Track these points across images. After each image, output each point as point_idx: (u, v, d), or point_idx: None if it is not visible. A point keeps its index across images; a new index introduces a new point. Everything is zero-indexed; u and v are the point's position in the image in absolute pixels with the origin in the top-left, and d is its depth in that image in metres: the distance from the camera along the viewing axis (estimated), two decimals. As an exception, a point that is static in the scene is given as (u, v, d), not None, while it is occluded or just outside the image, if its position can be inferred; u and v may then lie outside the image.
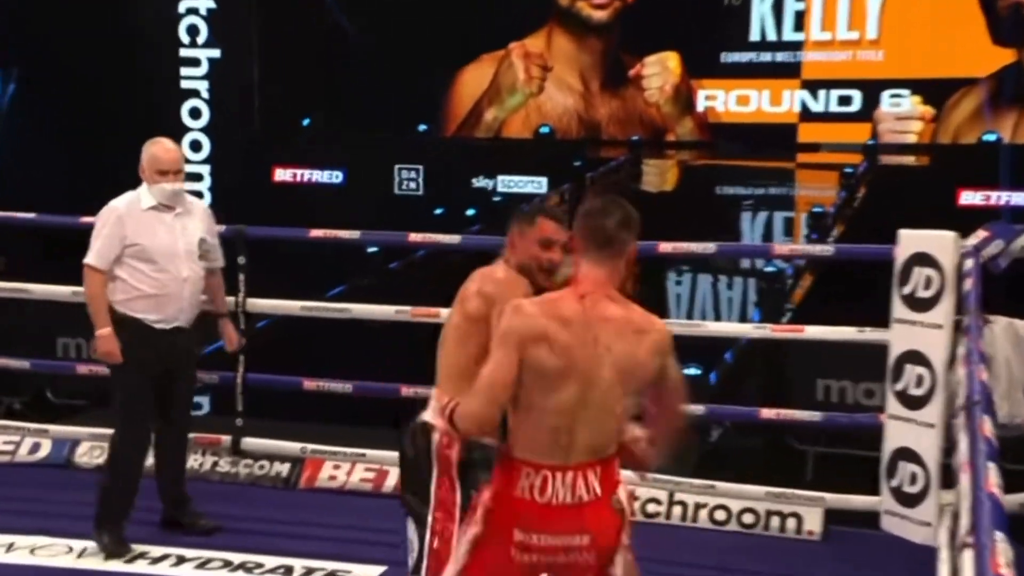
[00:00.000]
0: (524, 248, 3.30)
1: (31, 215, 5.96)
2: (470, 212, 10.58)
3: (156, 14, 10.65)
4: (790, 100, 10.28)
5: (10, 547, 4.69)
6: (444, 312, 5.91)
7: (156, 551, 4.63)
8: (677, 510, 5.25)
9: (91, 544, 4.63)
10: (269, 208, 10.13)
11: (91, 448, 5.63)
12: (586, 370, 2.72)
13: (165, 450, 4.76)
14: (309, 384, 5.39)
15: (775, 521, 5.14)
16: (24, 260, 8.10)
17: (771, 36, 10.27)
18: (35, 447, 5.72)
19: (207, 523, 4.80)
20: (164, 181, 4.47)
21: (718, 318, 9.50)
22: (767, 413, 5.20)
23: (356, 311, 5.38)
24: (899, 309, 4.64)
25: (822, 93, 10.20)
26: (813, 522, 5.09)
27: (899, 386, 4.67)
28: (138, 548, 4.63)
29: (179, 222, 4.55)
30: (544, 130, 10.93)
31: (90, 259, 4.48)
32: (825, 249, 4.89)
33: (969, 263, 4.31)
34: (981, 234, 4.55)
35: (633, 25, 10.72)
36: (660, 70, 10.76)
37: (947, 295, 4.50)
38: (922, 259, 4.55)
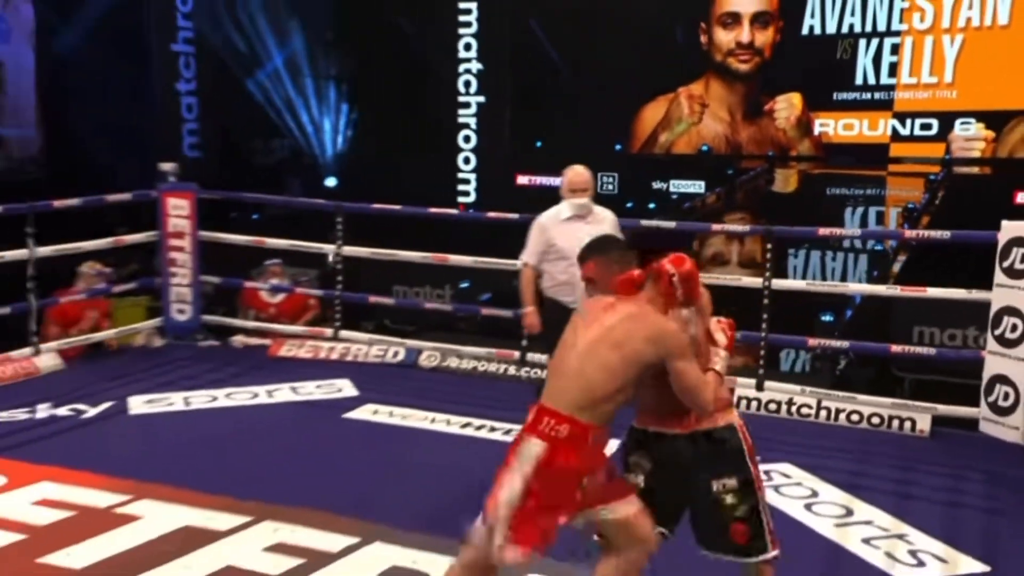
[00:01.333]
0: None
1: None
2: (651, 206, 10.62)
3: (443, 72, 11.03)
4: (884, 126, 9.91)
5: (390, 414, 5.22)
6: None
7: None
8: (824, 412, 5.27)
9: (438, 415, 5.03)
10: (515, 202, 10.47)
11: (428, 356, 6.04)
12: None
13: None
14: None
15: (895, 423, 5.11)
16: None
17: (871, 80, 9.91)
18: (395, 353, 6.16)
19: None
20: (575, 197, 4.57)
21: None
22: (895, 348, 5.15)
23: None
24: (1000, 277, 4.55)
25: (908, 121, 9.79)
26: (924, 424, 5.04)
27: (998, 331, 4.60)
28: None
29: (587, 228, 4.52)
30: (704, 148, 10.85)
31: (523, 256, 4.67)
32: (943, 234, 4.77)
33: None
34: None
35: (768, 73, 10.50)
36: (787, 106, 10.52)
37: (1038, 269, 4.38)
38: (1019, 241, 4.42)
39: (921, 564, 3.49)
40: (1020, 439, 4.45)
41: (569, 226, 4.52)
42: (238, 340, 6.48)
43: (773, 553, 2.55)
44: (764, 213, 9.71)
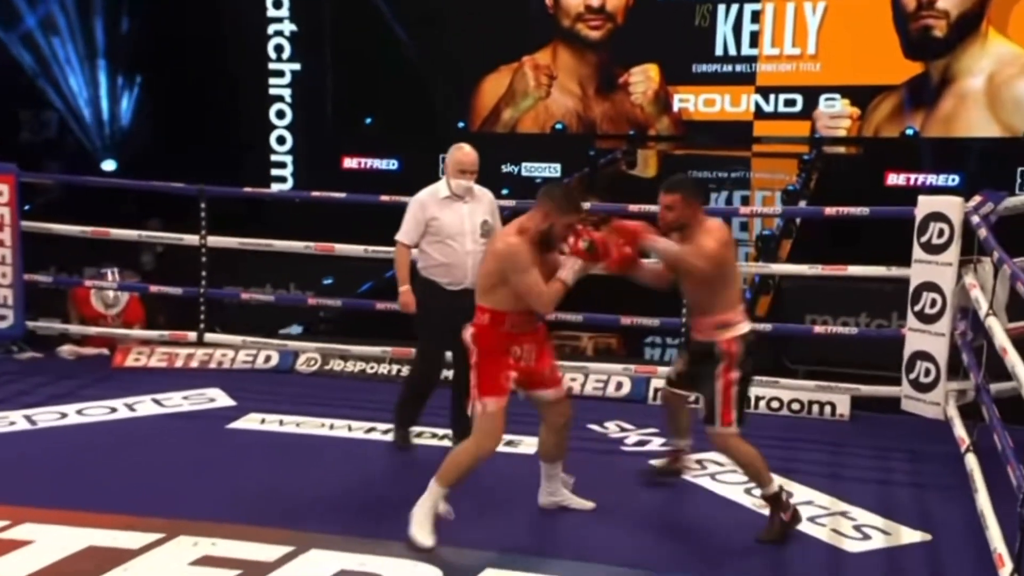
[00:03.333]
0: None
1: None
2: (505, 191, 11.17)
3: (249, 35, 11.10)
4: (747, 102, 11.01)
5: (280, 422, 5.41)
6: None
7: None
8: (743, 402, 6.05)
9: (336, 421, 5.32)
10: (339, 189, 10.70)
11: (307, 359, 6.27)
12: None
13: (458, 380, 5.30)
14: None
15: (815, 408, 5.96)
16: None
17: (732, 51, 10.95)
18: (267, 358, 6.39)
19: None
20: (463, 178, 4.94)
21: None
22: (819, 329, 6.02)
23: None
24: (918, 252, 5.44)
25: (772, 97, 10.95)
26: (844, 408, 5.92)
27: (917, 307, 5.48)
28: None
29: (467, 208, 4.98)
30: (559, 126, 11.56)
31: (399, 235, 4.98)
32: (863, 210, 5.65)
33: (976, 218, 5.11)
34: (977, 198, 5.37)
35: (621, 42, 11.35)
36: (643, 78, 11.40)
37: (955, 242, 5.31)
38: (936, 216, 5.36)
39: (867, 538, 4.19)
40: (941, 415, 5.38)
41: (450, 205, 4.89)
42: (66, 350, 6.37)
43: (718, 427, 4.11)
44: (623, 199, 10.56)
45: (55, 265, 8.55)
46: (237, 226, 6.78)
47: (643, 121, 11.46)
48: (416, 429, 5.15)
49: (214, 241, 6.11)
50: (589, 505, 4.33)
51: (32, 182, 7.18)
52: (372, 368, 6.15)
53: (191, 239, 6.18)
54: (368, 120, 11.64)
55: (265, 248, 6.15)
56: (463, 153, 4.98)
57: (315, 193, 6.56)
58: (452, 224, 4.87)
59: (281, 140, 11.39)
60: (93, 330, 6.48)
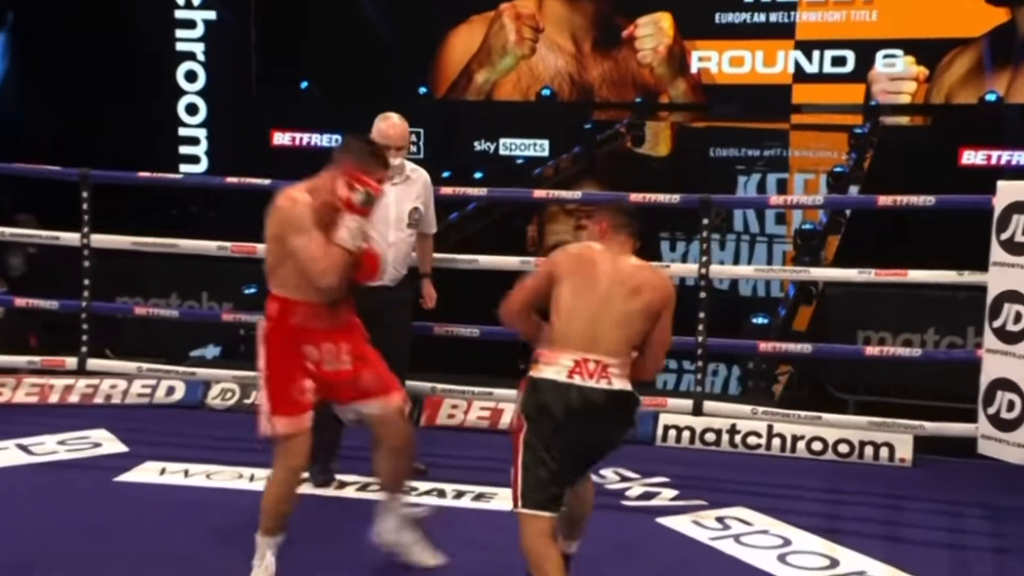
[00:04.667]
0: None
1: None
2: (478, 175, 11.18)
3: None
4: (784, 61, 11.04)
5: (186, 473, 5.33)
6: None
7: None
8: (776, 441, 6.03)
9: (258, 471, 5.27)
10: (268, 172, 10.65)
11: (222, 391, 6.23)
12: None
13: None
14: (439, 329, 5.97)
15: (868, 451, 5.95)
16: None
17: (765, -5, 10.96)
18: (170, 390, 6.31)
19: (416, 465, 5.33)
20: (388, 155, 4.98)
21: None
22: (872, 350, 6.01)
23: (484, 262, 5.99)
24: (998, 253, 5.40)
25: (816, 54, 10.97)
26: (905, 451, 5.91)
27: (997, 323, 5.44)
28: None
29: (395, 191, 5.08)
30: (546, 92, 11.54)
31: None
32: (928, 199, 5.62)
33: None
34: (1072, 184, 5.37)
35: (626, -16, 11.38)
36: (653, 31, 11.41)
37: (1046, 239, 5.30)
38: (1020, 207, 5.34)
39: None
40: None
41: None
42: None
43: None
44: (626, 184, 10.55)
45: None
46: (136, 221, 6.73)
47: (653, 85, 11.48)
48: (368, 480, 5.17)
49: (100, 240, 6.05)
50: (433, 562, 4.29)
51: None
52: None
53: (70, 238, 6.12)
54: (304, 84, 11.60)
55: (168, 250, 6.09)
56: (388, 124, 5.07)
57: (231, 179, 6.50)
58: (377, 214, 4.96)
59: (192, 109, 11.32)
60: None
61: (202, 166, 11.31)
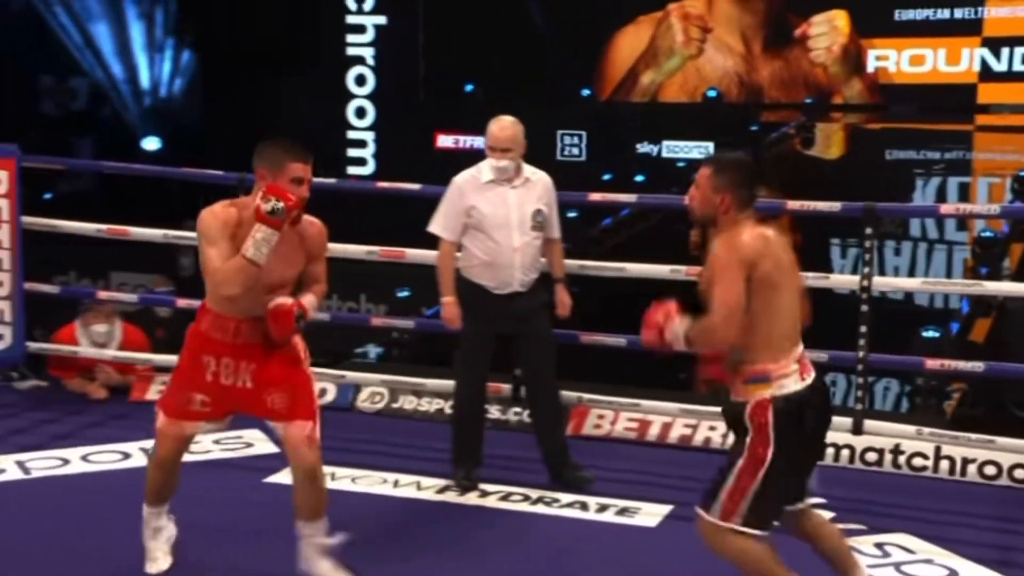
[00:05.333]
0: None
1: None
2: (639, 178, 11.05)
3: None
4: (969, 59, 10.55)
5: (332, 476, 5.27)
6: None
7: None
8: (944, 464, 5.72)
9: (402, 476, 5.29)
10: (432, 173, 10.75)
11: (371, 395, 6.26)
12: None
13: (533, 407, 5.29)
14: (585, 339, 5.87)
15: (1050, 478, 5.58)
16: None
17: (949, -10, 10.51)
18: (322, 392, 6.35)
19: (584, 475, 5.24)
20: (495, 158, 4.97)
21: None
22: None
23: (632, 270, 5.86)
24: None
25: (1005, 51, 10.45)
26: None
27: None
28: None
29: (515, 195, 5.03)
30: (712, 94, 11.32)
31: (434, 228, 5.05)
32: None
33: None
34: None
35: (800, -17, 11.06)
36: (828, 29, 11.06)
37: None
38: None
39: None
40: None
41: (492, 191, 4.95)
42: (75, 383, 6.51)
43: (705, 515, 3.59)
44: (796, 187, 10.25)
45: (76, 270, 8.80)
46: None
47: (825, 85, 11.13)
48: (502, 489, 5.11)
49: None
50: None
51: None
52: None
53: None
54: (469, 87, 11.64)
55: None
56: (498, 126, 5.01)
57: (381, 184, 6.53)
58: (495, 214, 4.94)
59: (360, 113, 11.48)
60: (112, 353, 6.59)
61: (368, 168, 11.46)
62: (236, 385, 3.90)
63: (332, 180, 6.35)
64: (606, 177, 10.87)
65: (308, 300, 3.92)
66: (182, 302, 6.48)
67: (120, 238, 6.48)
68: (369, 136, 11.48)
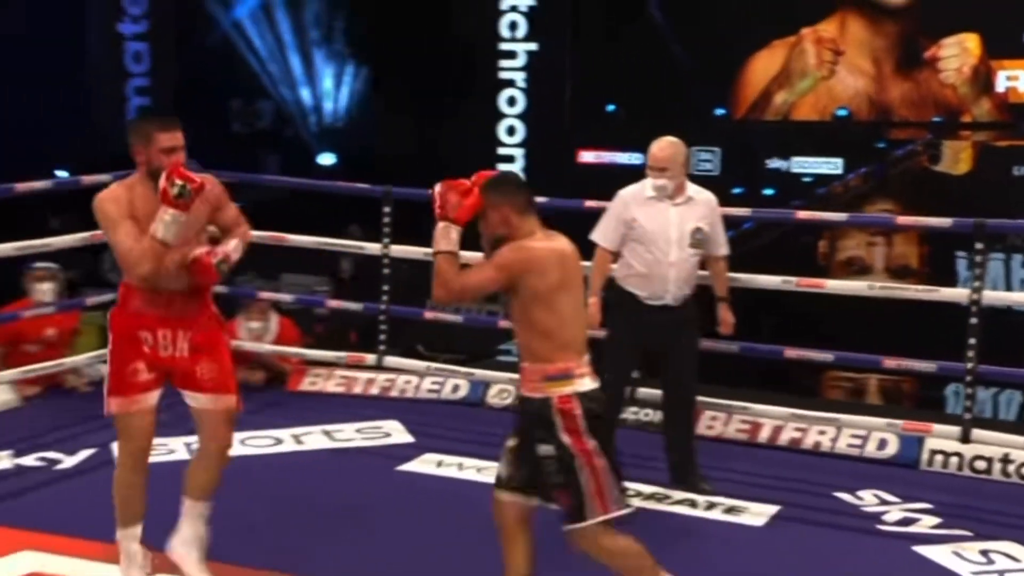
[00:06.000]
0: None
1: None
2: (768, 191, 10.78)
3: (480, 11, 11.28)
4: (1097, 79, 9.98)
5: (460, 466, 5.33)
6: (830, 283, 6.32)
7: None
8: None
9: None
10: (574, 186, 10.66)
11: (499, 391, 6.21)
12: None
13: (668, 417, 5.15)
14: (790, 352, 5.63)
15: None
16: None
17: (1085, 11, 9.94)
18: (456, 388, 6.37)
19: (706, 486, 5.05)
20: (651, 175, 4.86)
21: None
22: None
23: (743, 280, 5.65)
24: None
25: None
26: None
27: None
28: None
29: (676, 212, 4.90)
30: (841, 113, 10.98)
31: (595, 236, 4.96)
32: None
33: None
34: None
35: (932, 7, 10.60)
36: (958, 51, 10.57)
37: None
38: None
39: None
40: None
41: (654, 207, 4.83)
42: (239, 372, 6.63)
43: (599, 518, 3.35)
44: (921, 202, 9.81)
45: (253, 271, 8.97)
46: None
47: (954, 105, 10.64)
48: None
49: (398, 250, 6.15)
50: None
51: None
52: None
53: (373, 247, 6.26)
54: (610, 108, 11.54)
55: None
56: (657, 146, 4.86)
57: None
58: (655, 229, 4.82)
59: (511, 131, 11.49)
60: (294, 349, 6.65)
61: (516, 183, 11.46)
62: (175, 356, 3.73)
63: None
64: (736, 191, 10.60)
65: (230, 245, 3.74)
66: (333, 302, 6.56)
67: (282, 244, 6.53)
68: (518, 152, 11.48)
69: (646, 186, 4.91)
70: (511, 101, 11.45)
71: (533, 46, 11.28)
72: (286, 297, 7.17)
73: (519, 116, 11.46)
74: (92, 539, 4.16)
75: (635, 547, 3.43)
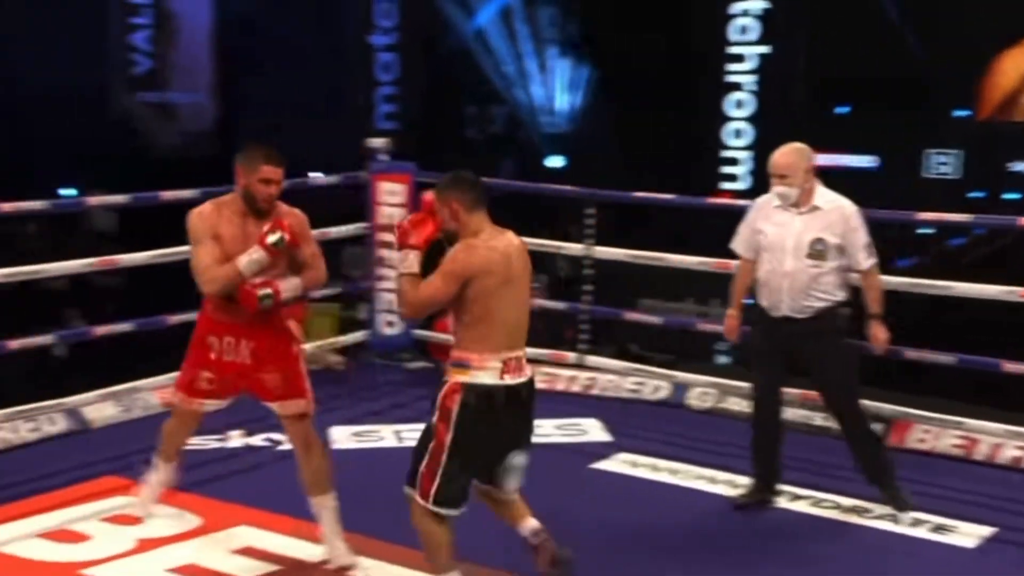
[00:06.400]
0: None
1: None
2: (1010, 195, 10.22)
3: (709, 16, 11.23)
4: None
5: (654, 467, 5.18)
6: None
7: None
8: None
9: (721, 474, 5.12)
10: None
11: (701, 394, 6.15)
12: None
13: (840, 425, 5.00)
14: (910, 354, 5.44)
15: None
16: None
17: None
18: (656, 388, 6.39)
19: (904, 500, 4.70)
20: (773, 183, 4.69)
21: None
22: None
23: (958, 289, 5.37)
24: None
25: None
26: None
27: None
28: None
29: (799, 221, 4.72)
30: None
31: (733, 243, 4.89)
32: None
33: None
34: None
35: None
36: None
37: None
38: None
39: None
40: None
41: (779, 215, 4.61)
42: None
43: (416, 497, 3.52)
44: None
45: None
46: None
47: None
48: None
49: (602, 252, 6.17)
50: (347, 560, 3.99)
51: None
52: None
53: (575, 248, 6.30)
54: (842, 109, 11.24)
55: (655, 262, 6.11)
56: (778, 153, 4.61)
57: (711, 200, 6.42)
58: (774, 238, 4.62)
59: (737, 134, 11.35)
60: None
61: (741, 184, 11.34)
62: (237, 361, 4.01)
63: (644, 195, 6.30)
64: (976, 194, 10.12)
65: (287, 283, 3.93)
66: (538, 301, 6.61)
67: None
68: (744, 155, 11.32)
69: (775, 194, 4.76)
70: (738, 104, 11.31)
71: (766, 49, 11.10)
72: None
73: (747, 119, 11.30)
74: (302, 519, 4.37)
75: (442, 539, 3.60)
